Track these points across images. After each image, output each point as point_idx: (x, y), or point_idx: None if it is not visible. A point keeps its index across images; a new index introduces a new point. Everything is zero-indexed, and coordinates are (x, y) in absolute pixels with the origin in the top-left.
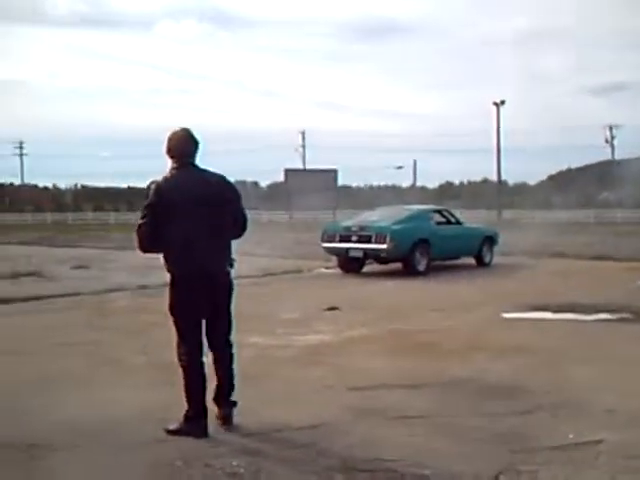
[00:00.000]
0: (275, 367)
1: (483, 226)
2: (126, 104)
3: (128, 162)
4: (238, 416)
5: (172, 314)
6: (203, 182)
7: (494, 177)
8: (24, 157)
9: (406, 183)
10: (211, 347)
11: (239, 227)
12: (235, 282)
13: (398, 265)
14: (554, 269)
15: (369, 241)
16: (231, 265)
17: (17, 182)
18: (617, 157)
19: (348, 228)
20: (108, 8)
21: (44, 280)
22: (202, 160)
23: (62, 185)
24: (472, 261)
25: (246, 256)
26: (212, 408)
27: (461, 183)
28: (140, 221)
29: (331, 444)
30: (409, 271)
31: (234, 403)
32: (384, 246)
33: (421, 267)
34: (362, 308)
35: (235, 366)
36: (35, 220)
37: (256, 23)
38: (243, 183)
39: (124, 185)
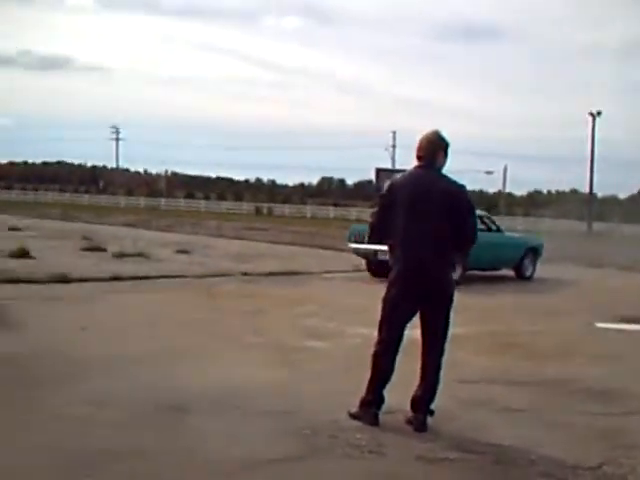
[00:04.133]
0: None
1: (526, 236)
2: (222, 95)
3: (219, 153)
4: (356, 396)
5: (382, 302)
6: (437, 186)
7: (582, 188)
8: (119, 142)
9: (494, 189)
10: (422, 350)
11: (465, 239)
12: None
13: None
14: None
15: None
16: (453, 270)
17: (110, 165)
18: None
19: None
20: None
21: (150, 261)
22: (288, 154)
23: (153, 170)
24: (510, 273)
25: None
26: (403, 408)
27: (549, 192)
28: (372, 211)
29: (443, 427)
30: None
31: (431, 412)
32: None
33: (455, 276)
34: None
35: (441, 375)
36: (128, 204)
37: (352, 20)
38: (330, 180)
39: (213, 174)
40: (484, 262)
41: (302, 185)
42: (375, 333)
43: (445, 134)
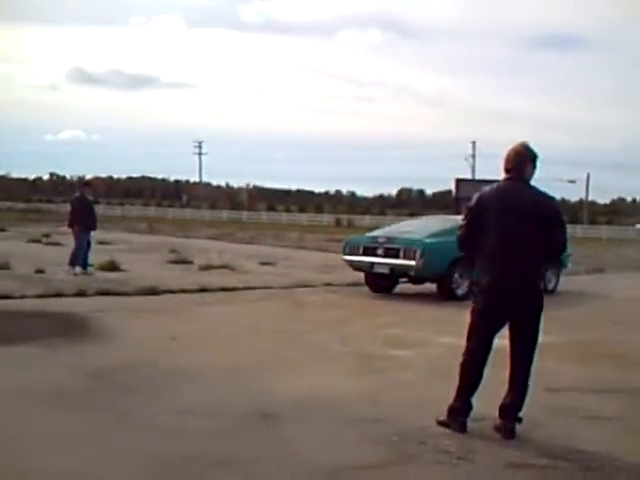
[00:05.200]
0: None
1: None
2: (302, 109)
3: (299, 166)
4: (443, 404)
5: (471, 312)
6: (526, 198)
7: None
8: (202, 156)
9: (576, 197)
10: (511, 359)
11: (555, 250)
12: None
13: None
14: None
15: (397, 256)
16: (543, 280)
17: (193, 180)
18: None
19: (374, 239)
20: (291, 15)
21: (236, 273)
22: (367, 166)
23: (235, 184)
24: None
25: None
26: (491, 415)
27: (634, 200)
28: (461, 222)
29: (531, 434)
30: (445, 295)
31: (519, 419)
32: (412, 263)
33: (461, 290)
34: None
35: (530, 384)
36: (212, 217)
37: (432, 33)
38: (409, 190)
39: (293, 187)
40: None
41: (381, 196)
42: (461, 342)
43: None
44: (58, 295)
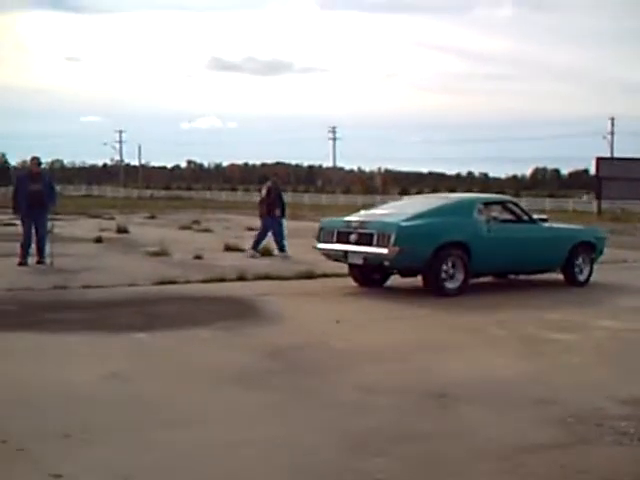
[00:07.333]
0: (633, 348)
1: (576, 227)
2: (431, 90)
3: (431, 148)
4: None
5: None
6: None
7: None
8: (336, 141)
9: None
10: None
11: None
12: None
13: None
14: None
15: (370, 242)
16: None
17: (325, 165)
18: None
19: (348, 224)
20: None
21: None
22: (499, 146)
23: (367, 168)
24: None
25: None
26: None
27: None
28: None
29: None
30: (431, 288)
31: None
32: (385, 251)
33: (451, 284)
34: None
35: None
36: (347, 201)
37: (565, 5)
38: (543, 170)
39: (425, 170)
40: (503, 263)
41: (515, 177)
42: (621, 325)
43: None
44: (221, 280)
